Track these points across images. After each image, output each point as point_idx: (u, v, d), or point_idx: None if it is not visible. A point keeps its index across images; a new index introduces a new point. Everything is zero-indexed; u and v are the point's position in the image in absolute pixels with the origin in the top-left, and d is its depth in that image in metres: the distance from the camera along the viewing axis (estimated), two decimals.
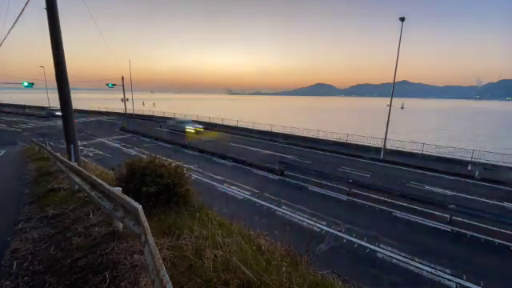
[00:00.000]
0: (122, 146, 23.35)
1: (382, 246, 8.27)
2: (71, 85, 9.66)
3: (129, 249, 3.83)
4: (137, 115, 48.99)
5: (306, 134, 28.17)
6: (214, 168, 16.66)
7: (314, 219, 9.95)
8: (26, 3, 8.53)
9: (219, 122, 37.33)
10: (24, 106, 58.71)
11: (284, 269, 3.34)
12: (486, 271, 7.25)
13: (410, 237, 8.93)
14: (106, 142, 24.97)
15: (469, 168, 17.05)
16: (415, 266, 7.31)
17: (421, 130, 50.27)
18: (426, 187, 14.04)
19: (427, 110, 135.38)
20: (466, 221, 9.79)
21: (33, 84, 41.24)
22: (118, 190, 4.26)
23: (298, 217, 10.15)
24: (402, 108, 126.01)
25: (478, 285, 6.67)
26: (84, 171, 5.74)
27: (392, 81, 20.54)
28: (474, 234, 9.10)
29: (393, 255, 7.78)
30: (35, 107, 58.29)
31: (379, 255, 7.81)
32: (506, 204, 11.99)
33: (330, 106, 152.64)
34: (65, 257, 3.74)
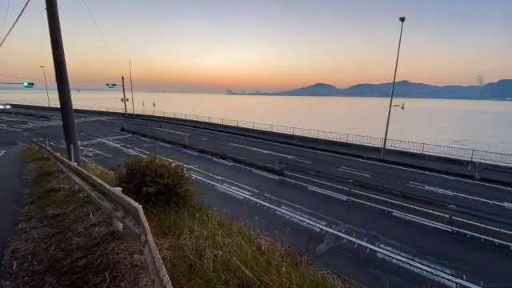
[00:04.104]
0: (122, 145, 23.35)
1: (382, 246, 8.27)
2: (71, 85, 9.66)
3: (129, 249, 3.82)
4: (137, 115, 49.01)
5: (306, 134, 28.18)
6: (214, 168, 16.66)
7: (314, 219, 9.95)
8: (26, 3, 8.53)
9: (219, 122, 37.33)
10: None
11: (284, 269, 3.34)
12: (486, 271, 7.25)
13: (410, 237, 8.92)
14: (106, 142, 24.98)
15: (469, 168, 17.06)
16: (415, 266, 7.31)
17: (421, 130, 50.27)
18: (426, 187, 14.04)
19: (428, 110, 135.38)
20: (465, 221, 9.78)
21: (33, 84, 41.26)
22: (118, 189, 4.26)
23: (298, 217, 10.15)
24: (403, 108, 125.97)
25: (478, 285, 6.67)
26: (84, 171, 5.73)
27: (392, 81, 20.55)
28: (474, 234, 9.11)
29: (393, 255, 7.78)
30: None
31: (379, 255, 7.81)
32: (505, 204, 12.00)
33: (329, 108, 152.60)
34: (65, 257, 3.73)
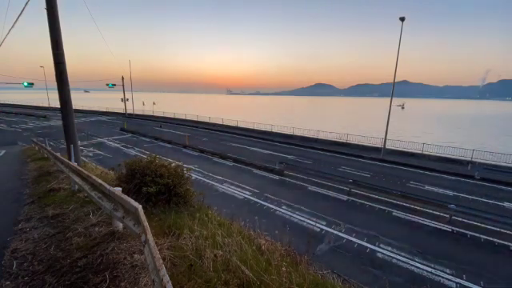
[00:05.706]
0: (122, 145, 23.36)
1: (382, 245, 8.27)
2: (72, 85, 9.66)
3: (129, 249, 3.82)
4: (137, 115, 49.00)
5: (306, 134, 28.17)
6: (214, 168, 16.67)
7: (314, 219, 9.95)
8: (26, 3, 8.53)
9: (219, 122, 37.33)
10: None
11: (284, 269, 3.34)
12: (486, 271, 7.25)
13: (410, 237, 8.93)
14: (106, 141, 24.98)
15: (469, 168, 17.06)
16: (415, 266, 7.31)
17: (421, 129, 50.24)
18: (426, 187, 14.04)
19: (429, 109, 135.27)
20: (465, 221, 9.79)
21: (33, 84, 41.31)
22: (118, 189, 4.25)
23: (298, 217, 10.15)
24: (403, 108, 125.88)
25: (478, 285, 6.67)
26: (84, 171, 5.72)
27: (392, 81, 20.54)
28: (474, 234, 9.11)
29: (393, 255, 7.78)
30: None
31: (379, 255, 7.81)
32: (506, 204, 11.99)
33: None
34: (65, 257, 3.73)
